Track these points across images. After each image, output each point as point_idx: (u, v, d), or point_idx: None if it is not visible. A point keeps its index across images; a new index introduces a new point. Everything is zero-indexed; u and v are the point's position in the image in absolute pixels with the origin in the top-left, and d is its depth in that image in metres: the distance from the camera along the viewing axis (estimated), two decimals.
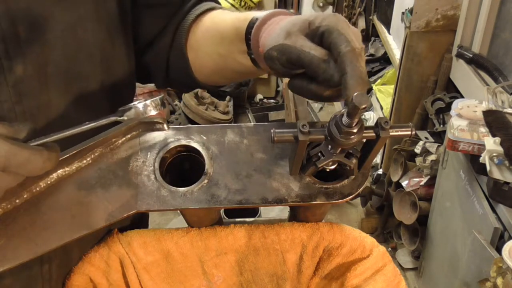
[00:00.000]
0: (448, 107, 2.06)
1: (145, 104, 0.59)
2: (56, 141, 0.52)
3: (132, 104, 0.59)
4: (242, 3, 3.46)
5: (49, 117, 0.60)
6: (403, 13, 2.30)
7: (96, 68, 0.66)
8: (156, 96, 0.60)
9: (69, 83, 0.62)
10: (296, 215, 0.72)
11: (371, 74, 3.20)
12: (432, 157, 2.03)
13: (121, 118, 0.58)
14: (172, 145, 0.62)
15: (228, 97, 3.48)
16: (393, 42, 2.72)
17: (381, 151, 2.60)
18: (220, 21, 0.73)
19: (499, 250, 1.31)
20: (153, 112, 0.59)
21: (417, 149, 2.08)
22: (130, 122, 0.59)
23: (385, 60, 3.13)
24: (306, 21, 0.54)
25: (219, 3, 0.81)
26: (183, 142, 0.62)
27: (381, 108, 2.79)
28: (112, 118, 0.58)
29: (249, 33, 0.63)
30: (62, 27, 0.59)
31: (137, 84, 0.83)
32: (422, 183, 2.14)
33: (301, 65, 0.53)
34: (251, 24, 0.63)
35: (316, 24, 0.54)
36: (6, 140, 0.45)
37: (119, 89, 0.72)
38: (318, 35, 0.53)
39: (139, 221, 0.78)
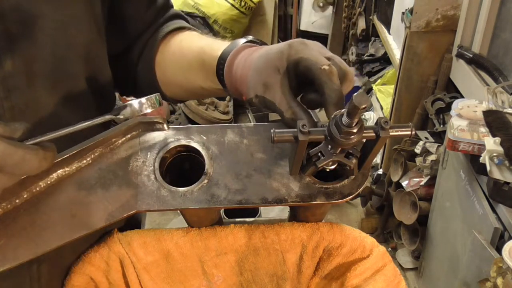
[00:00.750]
0: (448, 107, 2.06)
1: (140, 102, 0.59)
2: (53, 140, 0.52)
3: (127, 102, 0.59)
4: (242, 3, 3.46)
5: (36, 114, 0.60)
6: (403, 13, 2.29)
7: (85, 68, 0.66)
8: (151, 95, 0.60)
9: (57, 81, 0.62)
10: (296, 215, 0.72)
11: (371, 74, 3.20)
12: (432, 157, 2.03)
13: (117, 116, 0.58)
14: (172, 145, 0.62)
15: (228, 97, 3.47)
16: (393, 42, 2.72)
17: (381, 151, 2.60)
18: (186, 48, 0.76)
19: (499, 250, 1.31)
20: (148, 110, 0.59)
21: (417, 149, 2.08)
22: (130, 122, 0.59)
23: (385, 60, 3.13)
24: (277, 68, 0.59)
25: (188, 21, 0.84)
26: (183, 142, 0.62)
27: (381, 108, 2.79)
28: (108, 117, 0.58)
29: (221, 74, 0.68)
30: (53, 25, 0.59)
31: None
32: (422, 183, 2.14)
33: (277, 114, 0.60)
34: (220, 65, 0.68)
35: (285, 61, 0.58)
36: (1, 139, 0.45)
37: (107, 89, 0.72)
38: (292, 68, 0.59)
39: (136, 220, 0.79)
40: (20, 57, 0.56)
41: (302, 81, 0.59)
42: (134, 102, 0.59)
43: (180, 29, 0.80)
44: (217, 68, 0.68)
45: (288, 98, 0.58)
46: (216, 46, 0.70)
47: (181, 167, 0.66)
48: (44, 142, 0.50)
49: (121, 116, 0.58)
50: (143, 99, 0.59)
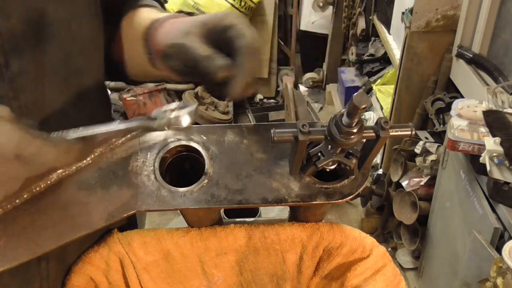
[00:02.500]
0: (448, 107, 2.06)
1: (177, 113, 0.57)
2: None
3: (163, 109, 0.58)
4: (242, 3, 3.46)
5: (44, 113, 0.60)
6: (403, 13, 2.29)
7: (91, 63, 0.66)
8: (189, 107, 0.59)
9: (65, 78, 0.62)
10: (296, 215, 0.72)
11: (371, 74, 3.20)
12: (432, 157, 2.02)
13: (149, 124, 0.57)
14: (172, 145, 0.62)
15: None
16: (393, 42, 2.72)
17: (381, 151, 2.60)
18: (139, 21, 0.74)
19: (499, 250, 1.31)
20: (185, 122, 0.58)
21: (417, 149, 2.08)
22: (134, 124, 0.58)
23: (385, 60, 3.13)
24: (204, 23, 0.60)
25: (162, 4, 0.82)
26: (183, 142, 0.62)
27: (381, 108, 2.79)
28: (140, 123, 0.57)
29: (148, 34, 0.67)
30: (57, 23, 0.59)
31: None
32: (422, 183, 2.14)
33: (192, 62, 0.59)
34: (150, 26, 0.67)
35: (215, 23, 0.59)
36: (20, 128, 0.46)
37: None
38: (217, 32, 0.59)
39: (134, 220, 0.79)
40: (27, 57, 0.56)
41: (220, 46, 0.60)
42: (171, 113, 0.58)
43: (144, 6, 0.77)
44: (147, 29, 0.68)
45: (207, 43, 0.59)
46: (161, 15, 0.70)
47: (181, 167, 0.66)
48: (70, 136, 0.50)
49: (153, 125, 0.57)
50: (181, 111, 0.58)
